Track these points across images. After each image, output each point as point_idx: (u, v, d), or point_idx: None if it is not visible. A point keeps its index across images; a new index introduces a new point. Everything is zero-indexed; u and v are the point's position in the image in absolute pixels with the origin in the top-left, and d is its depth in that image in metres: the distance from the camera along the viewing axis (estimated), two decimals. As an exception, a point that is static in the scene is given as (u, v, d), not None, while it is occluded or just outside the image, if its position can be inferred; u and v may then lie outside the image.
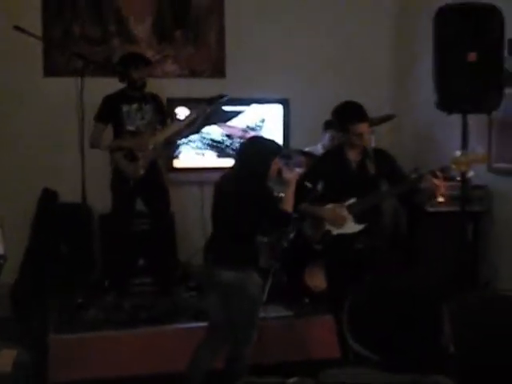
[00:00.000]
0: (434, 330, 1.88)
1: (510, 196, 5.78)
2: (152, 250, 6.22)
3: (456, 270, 5.52)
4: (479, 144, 5.75)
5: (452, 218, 5.59)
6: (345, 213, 4.74)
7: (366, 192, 4.71)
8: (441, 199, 4.65)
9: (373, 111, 6.31)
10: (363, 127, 4.69)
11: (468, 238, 5.77)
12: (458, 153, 4.57)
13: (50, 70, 6.76)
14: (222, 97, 6.04)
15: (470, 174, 4.68)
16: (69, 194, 6.37)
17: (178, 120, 6.14)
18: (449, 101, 5.16)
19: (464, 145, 5.34)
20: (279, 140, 7.11)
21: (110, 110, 5.90)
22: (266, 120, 6.55)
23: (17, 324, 5.52)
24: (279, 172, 4.44)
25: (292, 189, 4.44)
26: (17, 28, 5.46)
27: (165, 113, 6.21)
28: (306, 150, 6.38)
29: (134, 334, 5.18)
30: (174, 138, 6.16)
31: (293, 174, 4.55)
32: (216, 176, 6.79)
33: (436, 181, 4.49)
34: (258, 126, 6.50)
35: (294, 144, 7.05)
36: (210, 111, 5.99)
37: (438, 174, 4.52)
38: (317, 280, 5.67)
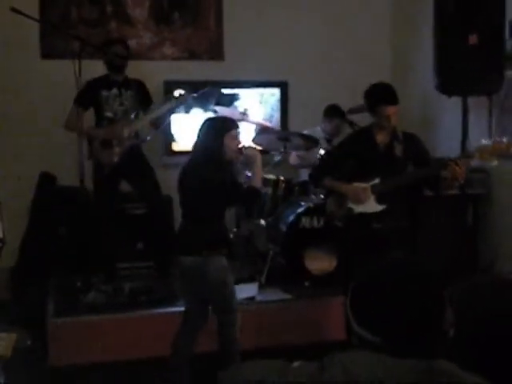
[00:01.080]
0: (435, 314, 1.88)
1: (510, 179, 5.77)
2: (150, 233, 6.21)
3: (456, 252, 5.53)
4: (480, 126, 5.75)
5: (452, 200, 5.58)
6: (367, 192, 4.76)
7: (392, 174, 4.71)
8: (462, 181, 4.66)
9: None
10: (391, 110, 4.67)
11: (468, 220, 5.76)
12: (484, 141, 4.53)
13: (48, 53, 6.72)
14: (211, 88, 6.05)
15: (494, 163, 4.65)
16: (67, 177, 6.34)
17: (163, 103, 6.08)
18: (449, 83, 5.15)
19: (464, 128, 5.34)
20: (277, 122, 7.11)
21: (89, 95, 5.85)
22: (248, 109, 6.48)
23: (16, 307, 5.51)
24: (240, 150, 4.37)
25: (257, 164, 4.39)
26: (14, 10, 5.41)
27: (150, 99, 6.15)
28: (305, 132, 6.36)
29: (133, 317, 5.18)
30: (156, 123, 6.11)
31: (254, 150, 4.51)
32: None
33: (457, 169, 4.47)
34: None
35: (293, 127, 7.04)
36: (190, 98, 5.94)
37: (460, 162, 4.48)
38: (317, 263, 5.68)
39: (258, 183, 4.40)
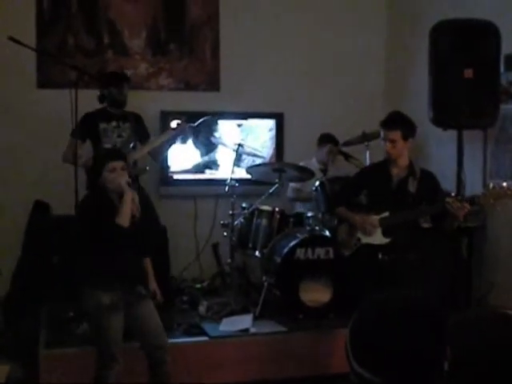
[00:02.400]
0: (438, 353, 1.83)
1: (504, 212, 5.77)
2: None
3: (450, 284, 5.51)
4: (475, 159, 5.76)
5: (447, 233, 5.57)
6: (375, 224, 4.84)
7: (402, 208, 4.77)
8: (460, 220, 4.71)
9: (366, 126, 6.36)
10: (385, 133, 4.77)
11: (463, 253, 5.76)
12: (491, 185, 4.56)
13: (44, 82, 6.74)
14: (207, 117, 6.08)
15: (498, 208, 4.71)
16: (61, 206, 6.32)
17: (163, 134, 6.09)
18: (445, 117, 5.17)
19: (459, 161, 5.35)
20: (272, 154, 7.12)
21: (86, 128, 5.86)
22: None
23: (8, 337, 5.45)
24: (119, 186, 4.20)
25: (126, 199, 4.15)
26: (11, 38, 5.42)
27: (147, 132, 6.16)
28: (301, 164, 6.37)
29: (126, 348, 5.11)
30: (155, 154, 6.11)
31: (124, 180, 4.19)
32: (209, 189, 6.85)
33: (455, 207, 4.49)
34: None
35: (288, 158, 7.05)
36: (186, 130, 5.95)
37: (465, 203, 4.51)
38: (311, 295, 5.65)
39: (123, 220, 4.14)
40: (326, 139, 6.73)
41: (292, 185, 6.66)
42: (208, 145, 6.79)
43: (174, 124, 5.88)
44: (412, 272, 4.74)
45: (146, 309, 4.38)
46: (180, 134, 5.91)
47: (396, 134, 4.74)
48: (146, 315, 4.37)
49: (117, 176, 4.17)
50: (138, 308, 4.33)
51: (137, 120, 6.08)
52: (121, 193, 4.17)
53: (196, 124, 6.04)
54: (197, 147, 6.79)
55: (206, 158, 7.00)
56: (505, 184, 4.49)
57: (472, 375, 2.28)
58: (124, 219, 4.13)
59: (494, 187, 4.53)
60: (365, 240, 4.92)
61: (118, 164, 4.20)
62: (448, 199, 4.61)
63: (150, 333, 4.37)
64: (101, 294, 4.17)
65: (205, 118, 6.17)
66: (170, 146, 6.02)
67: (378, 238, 4.86)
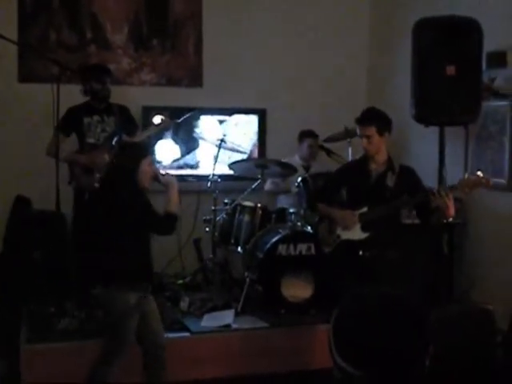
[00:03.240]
0: (420, 348, 1.83)
1: (486, 208, 5.81)
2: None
3: (431, 281, 5.54)
4: (457, 156, 5.80)
5: (428, 229, 5.60)
6: (354, 219, 4.85)
7: (381, 203, 4.77)
8: (450, 219, 4.70)
9: (349, 123, 6.36)
10: (360, 129, 4.81)
11: (443, 249, 5.79)
12: (466, 175, 4.61)
13: (26, 76, 6.69)
14: (191, 112, 6.07)
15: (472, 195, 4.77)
16: (42, 201, 6.29)
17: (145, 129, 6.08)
18: (427, 113, 5.19)
19: (441, 157, 5.38)
20: (255, 150, 7.12)
21: (71, 122, 5.85)
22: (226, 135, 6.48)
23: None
24: (156, 178, 4.36)
25: (174, 190, 4.33)
26: (-8, 32, 5.39)
27: (134, 124, 6.14)
28: (284, 160, 6.37)
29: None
30: None
31: (170, 176, 4.45)
32: (191, 185, 6.84)
33: (442, 199, 4.51)
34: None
35: (271, 154, 7.05)
36: (170, 125, 5.95)
37: (445, 192, 4.53)
38: (293, 290, 5.66)
39: (173, 208, 4.30)
40: (305, 134, 6.78)
41: (270, 179, 6.66)
42: (189, 141, 6.78)
43: (157, 119, 5.87)
44: (393, 268, 4.76)
45: (151, 306, 4.43)
46: (164, 130, 5.90)
47: (371, 130, 4.77)
48: (150, 312, 4.41)
49: (155, 171, 4.35)
50: (145, 305, 4.36)
51: (122, 112, 6.06)
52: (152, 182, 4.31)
53: (180, 120, 6.03)
54: (177, 143, 6.77)
55: (187, 156, 6.98)
56: (479, 173, 4.53)
57: (453, 370, 2.29)
58: (173, 207, 4.30)
59: (468, 177, 4.58)
60: (344, 236, 4.93)
61: (150, 159, 4.34)
62: (427, 191, 4.63)
63: (153, 331, 4.40)
64: (129, 293, 4.19)
65: (189, 113, 6.15)
66: (156, 141, 6.00)
67: (357, 234, 4.87)
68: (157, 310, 4.47)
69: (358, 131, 4.86)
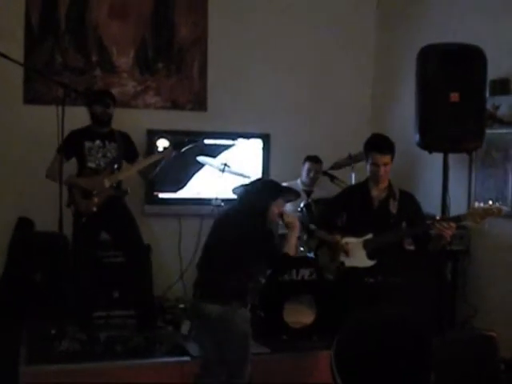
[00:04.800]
0: (424, 373, 1.81)
1: (489, 235, 5.80)
2: (128, 282, 6.14)
3: (434, 307, 5.51)
4: (460, 182, 5.79)
5: (431, 256, 5.58)
6: (359, 246, 4.83)
7: (385, 230, 4.76)
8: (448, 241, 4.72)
9: (352, 149, 6.37)
10: (379, 158, 4.80)
11: (447, 276, 5.77)
12: (477, 204, 4.60)
13: (31, 98, 6.71)
14: (193, 141, 6.07)
15: (486, 225, 4.74)
16: (45, 223, 6.29)
17: (153, 154, 6.09)
18: (430, 140, 5.19)
19: (444, 184, 5.37)
20: (259, 174, 7.12)
21: (72, 146, 5.85)
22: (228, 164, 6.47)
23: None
24: (281, 216, 4.55)
25: (294, 233, 4.54)
26: (-1, 53, 5.41)
27: (135, 151, 6.15)
28: (285, 184, 6.36)
29: (108, 367, 5.08)
30: (145, 174, 6.12)
31: (294, 218, 4.63)
32: (194, 209, 6.84)
33: (443, 228, 4.50)
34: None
35: (274, 178, 7.03)
36: (175, 154, 5.96)
37: (451, 223, 4.52)
38: (295, 316, 5.63)
39: (291, 251, 4.51)
40: (306, 158, 6.79)
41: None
42: (193, 165, 6.78)
43: (160, 147, 5.88)
44: (397, 295, 4.73)
45: None
46: (166, 159, 5.91)
47: (388, 158, 4.79)
48: None
49: (282, 211, 4.57)
50: None
51: (124, 139, 6.06)
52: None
53: (183, 150, 6.02)
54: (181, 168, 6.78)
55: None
56: (490, 202, 4.52)
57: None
58: (291, 250, 4.51)
59: (479, 206, 4.57)
60: (349, 263, 4.90)
61: (282, 201, 4.59)
62: (434, 220, 4.62)
63: None
64: (247, 309, 4.43)
65: (191, 144, 6.14)
66: (157, 167, 6.01)
67: (363, 261, 4.85)
68: None
69: (372, 158, 4.83)
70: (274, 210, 4.46)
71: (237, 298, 4.34)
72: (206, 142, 6.91)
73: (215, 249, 4.46)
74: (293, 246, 4.52)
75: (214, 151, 6.88)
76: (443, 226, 4.50)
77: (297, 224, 4.58)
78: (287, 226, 4.61)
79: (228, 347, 4.31)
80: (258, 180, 4.86)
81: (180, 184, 6.96)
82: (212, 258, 4.46)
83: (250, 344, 4.41)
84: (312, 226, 5.18)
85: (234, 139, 7.10)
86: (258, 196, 4.47)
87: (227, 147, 7.03)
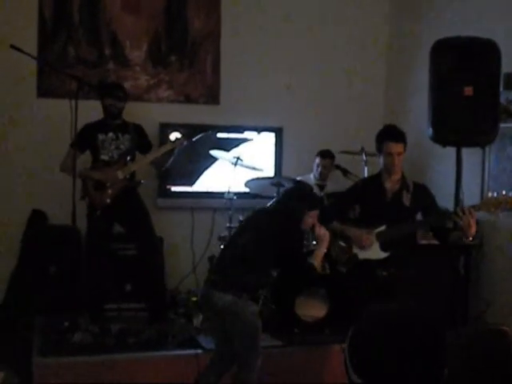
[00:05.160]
0: (438, 366, 1.81)
1: (502, 229, 5.78)
2: (140, 275, 6.16)
3: (447, 302, 5.50)
4: (474, 176, 5.77)
5: (444, 250, 5.57)
6: (372, 238, 4.82)
7: (399, 222, 4.76)
8: (471, 238, 4.64)
9: (365, 142, 6.36)
10: (393, 147, 4.80)
11: (459, 270, 5.75)
12: (490, 194, 4.58)
13: (44, 91, 6.74)
14: (204, 131, 6.09)
15: (499, 216, 4.71)
16: (58, 216, 6.32)
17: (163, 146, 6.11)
18: (444, 134, 5.16)
19: (458, 177, 5.35)
20: (271, 168, 7.12)
21: (86, 139, 5.88)
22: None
23: (2, 345, 5.43)
24: (313, 227, 4.64)
25: (323, 247, 4.62)
26: (13, 47, 5.43)
27: (149, 143, 6.16)
28: (299, 178, 6.37)
29: (120, 359, 5.10)
30: (157, 165, 6.14)
31: (325, 231, 4.66)
32: (207, 202, 6.85)
33: (470, 219, 4.46)
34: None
35: (286, 172, 7.04)
36: (186, 144, 5.97)
37: (469, 211, 4.49)
38: (307, 310, 5.63)
39: (317, 262, 4.61)
40: (319, 154, 6.75)
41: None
42: (206, 158, 6.78)
43: (172, 137, 5.89)
44: (409, 288, 4.72)
45: None
46: (178, 148, 5.92)
47: (402, 147, 4.80)
48: None
49: (315, 223, 4.63)
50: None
51: (137, 131, 6.08)
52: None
53: (195, 139, 6.05)
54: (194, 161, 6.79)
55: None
56: (504, 192, 4.50)
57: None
58: (317, 262, 4.63)
59: (492, 196, 4.54)
60: (362, 255, 4.89)
61: (317, 213, 4.62)
62: (455, 212, 4.58)
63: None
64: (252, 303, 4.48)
65: (203, 133, 6.17)
66: (171, 158, 6.02)
67: (376, 253, 4.84)
68: None
69: (386, 148, 4.82)
70: (309, 220, 4.55)
71: (249, 291, 4.41)
72: (220, 135, 6.91)
73: (243, 242, 4.49)
74: (319, 259, 4.63)
75: (227, 145, 6.88)
76: (460, 216, 4.44)
77: (327, 238, 4.65)
78: (318, 238, 4.70)
79: (237, 338, 4.34)
80: (302, 186, 4.92)
81: (193, 177, 6.96)
82: (236, 250, 4.49)
83: (260, 337, 4.43)
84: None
85: (246, 133, 7.09)
86: (298, 202, 4.56)
87: (242, 141, 7.02)
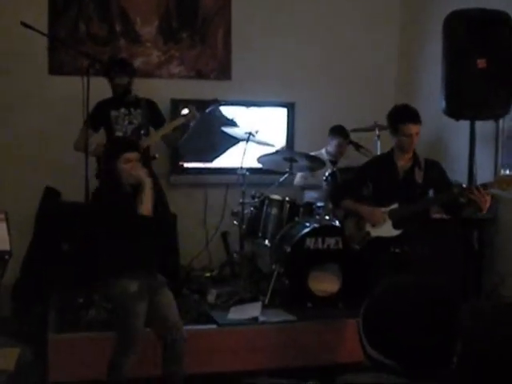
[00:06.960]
0: (451, 338, 1.82)
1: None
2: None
3: (461, 276, 5.50)
4: (487, 151, 5.74)
5: (457, 224, 5.56)
6: (385, 216, 4.82)
7: (411, 199, 4.74)
8: (484, 212, 4.63)
9: (378, 117, 6.33)
10: (413, 128, 4.73)
11: (473, 244, 5.74)
12: (503, 171, 4.56)
13: (56, 68, 6.73)
14: (214, 102, 6.07)
15: None
16: (71, 193, 6.33)
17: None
18: (457, 107, 5.14)
19: (471, 152, 5.33)
20: (283, 143, 7.10)
21: (99, 117, 5.89)
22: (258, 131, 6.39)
23: (17, 322, 5.48)
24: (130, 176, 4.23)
25: (147, 189, 4.19)
26: (23, 24, 5.43)
27: (161, 117, 6.16)
28: (312, 153, 6.35)
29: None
30: (168, 140, 6.14)
31: (143, 171, 4.24)
32: (219, 178, 6.85)
33: (478, 196, 4.45)
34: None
35: (299, 148, 7.03)
36: (199, 116, 5.96)
37: (485, 192, 4.47)
38: (320, 284, 5.65)
39: (146, 210, 4.20)
40: (337, 132, 6.67)
41: (300, 173, 6.63)
42: (218, 134, 6.76)
43: (184, 111, 5.89)
44: (423, 264, 4.71)
45: (166, 298, 4.43)
46: (191, 121, 5.91)
47: (419, 127, 4.75)
48: (166, 304, 4.41)
49: (133, 167, 4.20)
50: (159, 296, 4.37)
51: (150, 106, 6.08)
52: (137, 183, 4.20)
53: (207, 111, 6.04)
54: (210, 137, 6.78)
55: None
56: None
57: (481, 366, 2.26)
58: (147, 209, 4.18)
59: (506, 173, 4.53)
60: (375, 233, 4.89)
61: (132, 155, 4.23)
62: (468, 189, 4.56)
63: (169, 321, 4.38)
64: (127, 281, 4.20)
65: (213, 105, 6.16)
66: (183, 132, 6.01)
67: (389, 231, 4.83)
68: (174, 301, 4.46)
69: (404, 129, 4.72)
70: (125, 165, 4.18)
71: (108, 269, 4.36)
72: (226, 111, 6.88)
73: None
74: (146, 204, 4.19)
75: (233, 121, 6.85)
76: (473, 194, 4.44)
77: (146, 179, 4.21)
78: (137, 181, 4.23)
79: None
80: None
81: (211, 153, 6.94)
82: None
83: (126, 321, 4.27)
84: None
85: (258, 108, 7.07)
86: (106, 155, 4.47)
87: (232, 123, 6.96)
